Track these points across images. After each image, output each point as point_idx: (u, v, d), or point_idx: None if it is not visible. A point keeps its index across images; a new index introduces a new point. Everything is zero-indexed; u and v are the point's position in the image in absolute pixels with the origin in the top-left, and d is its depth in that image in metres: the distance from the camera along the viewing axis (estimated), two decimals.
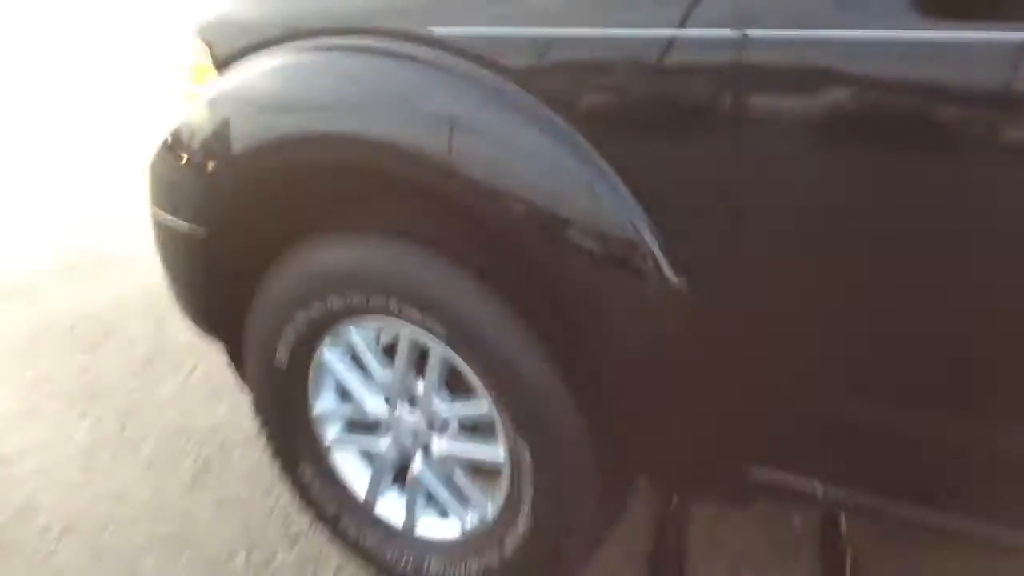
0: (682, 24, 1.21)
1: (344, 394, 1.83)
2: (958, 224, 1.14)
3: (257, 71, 1.64)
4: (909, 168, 1.14)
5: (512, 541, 1.65)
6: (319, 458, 1.88)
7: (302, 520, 2.12)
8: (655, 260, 1.31)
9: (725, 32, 1.18)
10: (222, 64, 1.73)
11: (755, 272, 1.28)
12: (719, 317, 1.31)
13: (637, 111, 1.28)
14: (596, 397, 1.51)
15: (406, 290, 1.55)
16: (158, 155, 1.86)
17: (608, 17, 1.28)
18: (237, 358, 1.97)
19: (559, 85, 1.32)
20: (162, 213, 1.88)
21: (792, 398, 1.34)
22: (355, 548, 1.89)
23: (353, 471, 1.88)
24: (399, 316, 1.59)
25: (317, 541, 2.05)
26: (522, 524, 1.62)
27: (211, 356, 2.83)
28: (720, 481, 1.47)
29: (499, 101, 1.37)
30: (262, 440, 1.92)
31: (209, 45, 1.76)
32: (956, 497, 1.28)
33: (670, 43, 1.23)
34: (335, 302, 1.65)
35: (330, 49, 1.58)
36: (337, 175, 1.65)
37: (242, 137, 1.65)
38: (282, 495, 2.21)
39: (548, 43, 1.33)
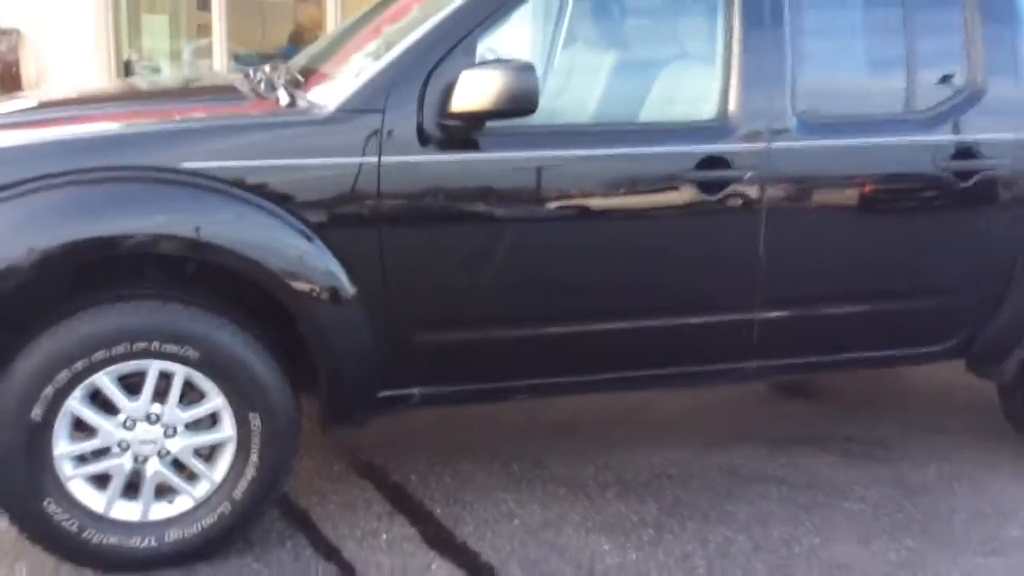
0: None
1: (75, 433, 2.46)
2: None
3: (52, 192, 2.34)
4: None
5: (241, 487, 2.57)
6: (60, 490, 2.45)
7: None
8: (345, 294, 2.54)
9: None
10: None
11: (403, 288, 2.63)
12: (382, 315, 2.60)
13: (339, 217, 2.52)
14: (301, 375, 2.61)
15: (172, 332, 2.42)
16: None
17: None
18: None
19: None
20: None
21: (419, 343, 2.69)
22: (98, 551, 2.51)
23: (86, 493, 2.50)
24: (156, 355, 2.42)
25: None
26: (250, 472, 2.57)
27: None
28: (369, 403, 2.71)
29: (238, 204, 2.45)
30: None
31: None
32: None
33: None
34: (99, 355, 2.39)
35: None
36: (96, 264, 2.40)
37: (22, 240, 2.30)
38: None
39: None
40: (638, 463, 3.33)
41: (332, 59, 3.24)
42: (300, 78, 3.04)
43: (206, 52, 8.30)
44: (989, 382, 3.45)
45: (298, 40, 9.63)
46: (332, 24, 7.96)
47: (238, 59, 8.04)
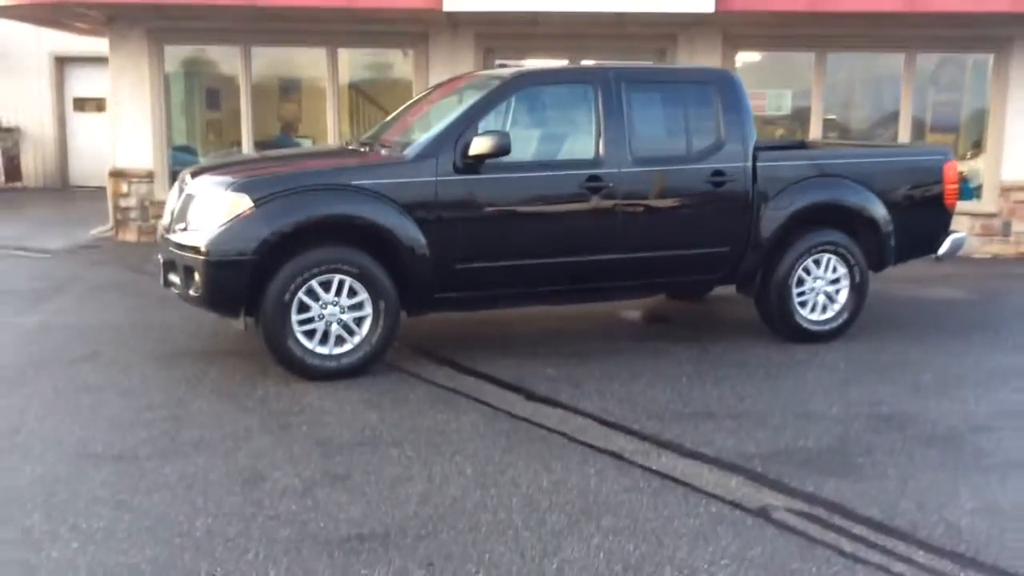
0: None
1: (299, 309, 5.18)
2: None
3: (294, 196, 5.11)
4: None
5: (376, 337, 5.36)
6: (293, 337, 5.17)
7: (266, 382, 5.18)
8: (421, 245, 5.36)
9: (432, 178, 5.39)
10: (259, 200, 5.07)
11: (448, 242, 5.45)
12: (438, 255, 5.41)
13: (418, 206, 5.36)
14: (399, 285, 5.40)
15: (346, 260, 5.22)
16: (221, 236, 5.01)
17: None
18: (253, 313, 5.15)
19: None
20: (224, 257, 5.00)
21: (456, 270, 5.50)
22: (310, 367, 5.24)
23: (304, 339, 5.24)
24: (338, 271, 5.19)
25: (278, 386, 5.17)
26: (380, 328, 5.35)
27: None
28: (431, 302, 5.50)
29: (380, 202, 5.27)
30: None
31: (248, 194, 5.07)
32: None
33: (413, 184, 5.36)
34: (316, 271, 5.15)
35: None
36: (322, 228, 5.18)
37: (283, 218, 5.06)
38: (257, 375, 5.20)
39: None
40: (564, 348, 6.22)
41: (389, 132, 6.19)
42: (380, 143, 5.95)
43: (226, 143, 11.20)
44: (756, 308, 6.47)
45: (287, 130, 12.53)
46: (320, 117, 10.88)
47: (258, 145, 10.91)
